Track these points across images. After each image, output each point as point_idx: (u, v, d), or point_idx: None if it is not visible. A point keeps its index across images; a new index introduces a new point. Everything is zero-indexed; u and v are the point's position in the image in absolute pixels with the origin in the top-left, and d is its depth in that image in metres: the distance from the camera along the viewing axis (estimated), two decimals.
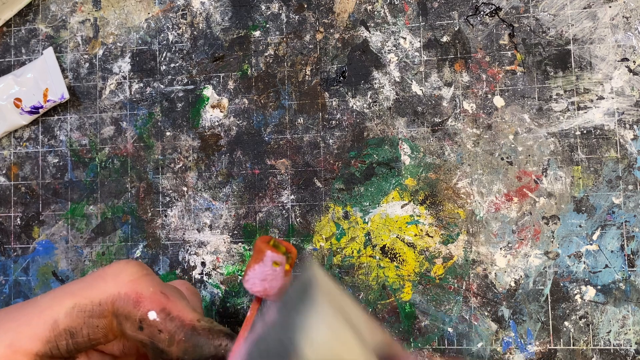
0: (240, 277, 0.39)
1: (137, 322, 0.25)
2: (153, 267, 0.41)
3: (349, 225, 0.39)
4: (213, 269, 0.40)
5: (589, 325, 0.36)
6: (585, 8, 0.38)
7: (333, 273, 0.39)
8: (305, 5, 0.41)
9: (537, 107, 0.38)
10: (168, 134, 0.41)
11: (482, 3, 0.39)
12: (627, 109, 0.37)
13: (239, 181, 0.40)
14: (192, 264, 0.40)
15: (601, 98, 0.37)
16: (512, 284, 0.37)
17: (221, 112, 0.41)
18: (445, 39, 0.39)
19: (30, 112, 0.42)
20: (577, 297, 0.36)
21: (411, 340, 0.37)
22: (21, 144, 0.43)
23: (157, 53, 0.42)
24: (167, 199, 0.41)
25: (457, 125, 0.38)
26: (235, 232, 0.40)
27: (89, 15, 0.43)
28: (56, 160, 0.42)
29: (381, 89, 0.39)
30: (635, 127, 0.37)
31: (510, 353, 0.37)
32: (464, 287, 0.37)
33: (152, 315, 0.25)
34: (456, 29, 0.39)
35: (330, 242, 0.39)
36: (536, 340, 0.36)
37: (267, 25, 0.41)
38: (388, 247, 0.38)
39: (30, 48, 0.44)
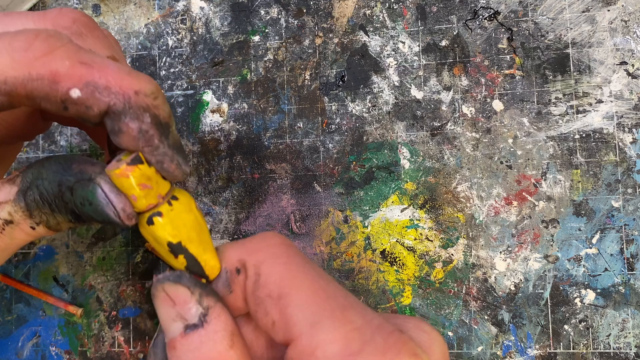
0: None
1: (60, 104, 0.21)
2: (153, 271, 0.41)
3: (349, 229, 0.39)
4: None
5: (589, 329, 0.36)
6: (583, 12, 0.38)
7: (333, 277, 0.39)
8: (305, 10, 0.41)
9: (536, 110, 0.38)
10: None
11: (481, 7, 0.39)
12: (626, 112, 0.37)
13: (239, 186, 0.40)
14: None
15: (600, 101, 0.37)
16: (512, 288, 0.37)
17: (221, 116, 0.41)
18: (444, 43, 0.39)
19: None
20: (577, 300, 0.36)
21: None
22: (21, 149, 0.43)
23: (157, 58, 0.42)
24: None
25: (457, 129, 0.38)
26: (236, 236, 0.40)
27: None
28: None
29: (380, 93, 0.39)
30: (634, 130, 0.37)
31: (510, 357, 0.37)
32: (463, 291, 0.37)
33: (75, 93, 0.21)
34: (455, 33, 0.39)
35: (330, 247, 0.39)
36: (536, 343, 0.36)
37: (267, 30, 0.41)
38: (388, 251, 0.38)
39: None
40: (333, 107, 0.40)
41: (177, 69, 0.42)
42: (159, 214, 0.22)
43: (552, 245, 0.37)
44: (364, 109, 0.40)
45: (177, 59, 0.42)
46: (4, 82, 0.20)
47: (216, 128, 0.41)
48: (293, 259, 0.22)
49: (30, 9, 0.44)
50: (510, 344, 0.37)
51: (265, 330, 0.21)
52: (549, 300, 0.37)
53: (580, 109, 0.37)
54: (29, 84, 0.21)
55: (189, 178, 0.41)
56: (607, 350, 0.36)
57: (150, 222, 0.22)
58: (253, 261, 0.22)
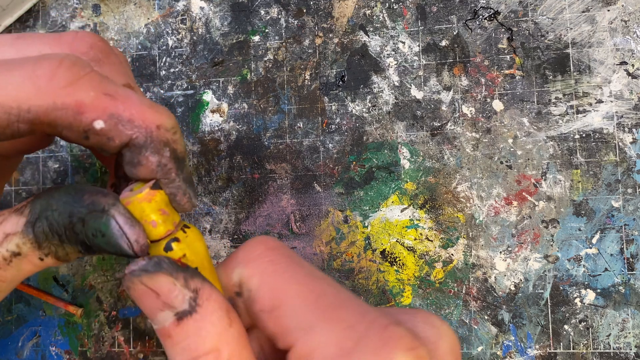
0: None
1: (82, 133, 0.21)
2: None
3: (349, 229, 0.39)
4: None
5: (589, 329, 0.36)
6: (583, 12, 0.38)
7: (333, 277, 0.39)
8: (304, 10, 0.41)
9: (536, 110, 0.38)
10: None
11: (481, 7, 0.39)
12: (626, 112, 0.37)
13: (239, 186, 0.40)
14: None
15: (600, 101, 0.37)
16: (512, 288, 0.37)
17: (221, 116, 0.41)
18: (444, 43, 0.39)
19: None
20: (577, 300, 0.36)
21: None
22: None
23: (157, 58, 0.42)
24: None
25: (457, 129, 0.38)
26: (236, 236, 0.40)
27: (89, 20, 0.43)
28: (57, 166, 0.43)
29: (380, 93, 0.39)
30: (634, 130, 0.37)
31: (510, 357, 0.37)
32: (463, 291, 0.37)
33: (99, 125, 0.21)
34: (455, 33, 0.39)
35: (330, 247, 0.39)
36: (536, 343, 0.36)
37: (267, 30, 0.41)
38: (388, 251, 0.38)
39: None
40: (333, 107, 0.40)
41: (177, 69, 0.42)
42: (177, 240, 0.22)
43: (552, 245, 0.37)
44: (364, 109, 0.40)
45: (177, 59, 0.42)
46: (28, 111, 0.20)
47: (216, 128, 0.41)
48: (280, 266, 0.22)
49: (30, 10, 0.44)
50: (510, 344, 0.37)
51: (270, 339, 0.22)
52: (549, 300, 0.37)
53: (580, 109, 0.37)
54: (52, 113, 0.20)
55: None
56: (607, 350, 0.36)
57: (168, 248, 0.21)
58: (244, 279, 0.22)
